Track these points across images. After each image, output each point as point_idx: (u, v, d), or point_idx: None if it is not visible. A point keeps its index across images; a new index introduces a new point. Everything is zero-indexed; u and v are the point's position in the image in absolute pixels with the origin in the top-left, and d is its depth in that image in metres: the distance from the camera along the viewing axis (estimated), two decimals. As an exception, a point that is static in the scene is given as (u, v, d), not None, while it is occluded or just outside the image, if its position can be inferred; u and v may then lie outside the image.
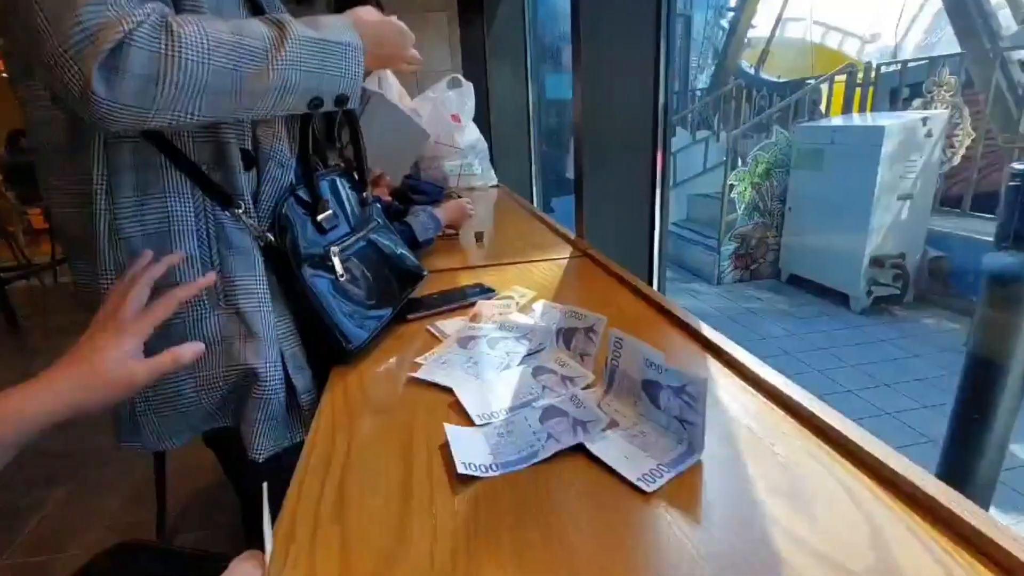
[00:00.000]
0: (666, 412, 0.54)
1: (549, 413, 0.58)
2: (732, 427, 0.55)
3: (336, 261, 0.73)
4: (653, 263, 1.41)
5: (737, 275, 4.50)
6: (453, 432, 0.55)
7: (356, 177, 0.88)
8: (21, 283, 4.25)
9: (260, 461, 0.67)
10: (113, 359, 0.48)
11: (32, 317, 3.86)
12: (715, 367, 0.68)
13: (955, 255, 3.66)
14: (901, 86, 4.12)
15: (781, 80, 5.21)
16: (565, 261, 1.20)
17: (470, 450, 0.52)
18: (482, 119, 2.79)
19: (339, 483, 0.50)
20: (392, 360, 0.75)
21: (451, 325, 0.84)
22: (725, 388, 0.62)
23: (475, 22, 3.23)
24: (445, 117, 2.33)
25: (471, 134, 2.46)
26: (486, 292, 0.96)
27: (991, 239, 3.40)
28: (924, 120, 3.49)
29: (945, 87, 3.73)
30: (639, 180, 1.40)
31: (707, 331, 0.75)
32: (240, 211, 0.64)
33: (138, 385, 0.50)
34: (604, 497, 0.47)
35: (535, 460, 0.51)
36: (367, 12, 0.70)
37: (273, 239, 0.67)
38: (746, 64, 6.42)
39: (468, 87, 2.41)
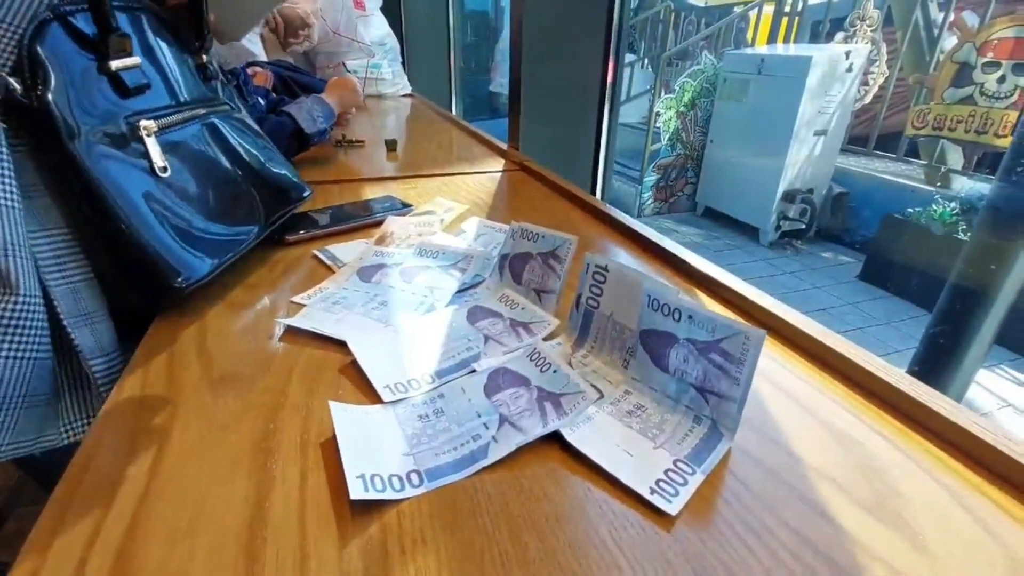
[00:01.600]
0: (677, 377, 0.35)
1: (499, 380, 0.38)
2: (760, 393, 0.38)
3: (151, 144, 0.46)
4: (597, 182, 1.23)
5: (657, 207, 4.47)
6: (344, 418, 0.33)
7: (189, 28, 0.58)
8: None
9: None
10: None
11: None
12: (717, 310, 0.51)
13: (856, 192, 3.83)
14: (825, 19, 4.11)
15: (708, 5, 5.05)
16: (498, 175, 0.97)
17: (372, 451, 0.31)
18: (393, 13, 2.37)
19: (129, 524, 0.27)
20: (256, 301, 0.51)
21: (349, 250, 0.60)
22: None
23: None
24: (347, 4, 1.91)
25: (379, 28, 2.07)
26: (399, 208, 0.72)
27: (892, 178, 3.61)
28: (847, 53, 3.50)
29: (868, 21, 3.75)
30: (586, 93, 1.18)
31: (693, 259, 0.57)
32: None
33: None
34: (599, 525, 0.28)
35: (483, 463, 0.31)
36: None
37: (19, 88, 0.38)
38: (674, -13, 6.16)
39: (376, -34, 2.00)
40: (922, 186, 3.54)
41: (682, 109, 4.24)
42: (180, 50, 0.56)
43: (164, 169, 0.47)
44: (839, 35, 3.94)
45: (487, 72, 7.03)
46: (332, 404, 0.34)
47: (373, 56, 2.02)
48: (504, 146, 1.15)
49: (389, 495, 0.29)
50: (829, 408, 0.37)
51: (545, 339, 0.44)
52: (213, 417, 0.35)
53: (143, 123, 0.46)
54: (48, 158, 0.40)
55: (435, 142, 1.30)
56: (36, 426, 0.41)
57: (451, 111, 2.73)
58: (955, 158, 3.54)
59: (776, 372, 0.41)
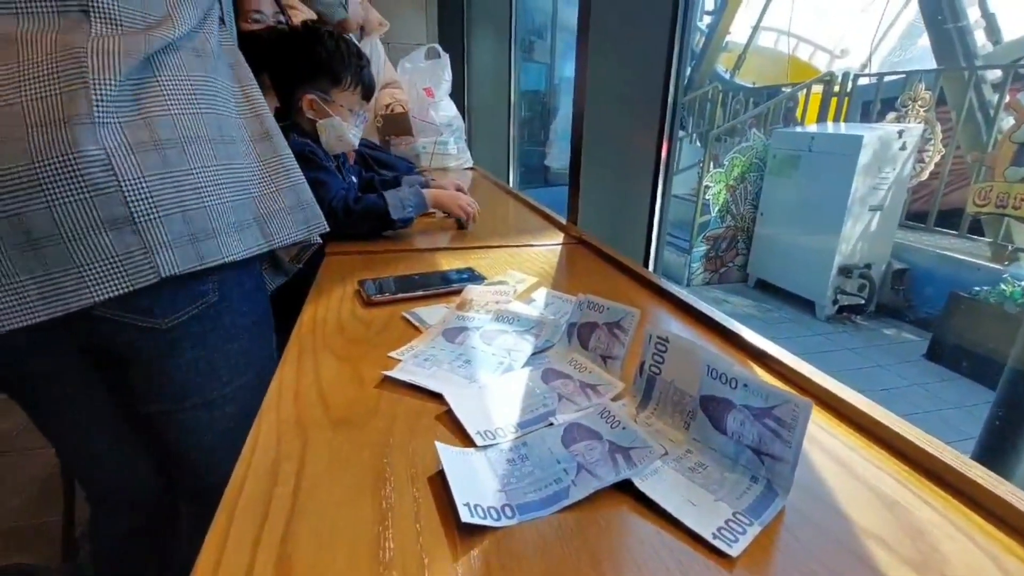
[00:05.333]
0: (735, 440, 0.40)
1: (574, 434, 0.44)
2: (810, 458, 0.42)
3: None
4: (651, 255, 1.29)
5: (706, 277, 4.48)
6: (449, 456, 0.40)
7: None
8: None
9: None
10: None
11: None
12: (771, 382, 0.55)
13: (918, 269, 3.73)
14: (876, 99, 4.18)
15: (756, 86, 5.24)
16: (558, 248, 1.06)
17: (474, 485, 0.38)
18: (459, 97, 2.61)
19: (283, 533, 0.34)
20: (357, 354, 0.59)
21: (433, 313, 0.69)
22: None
23: (456, -6, 3.04)
24: (419, 90, 2.15)
25: (447, 110, 2.29)
26: (475, 278, 0.80)
27: (956, 255, 3.49)
28: (900, 133, 3.53)
29: (920, 102, 3.79)
30: (640, 168, 1.28)
31: (748, 334, 0.62)
32: None
33: None
34: (668, 561, 0.33)
35: (565, 502, 0.37)
36: None
37: None
38: (722, 68, 6.45)
39: (445, 59, 2.23)
40: (988, 264, 3.41)
41: (731, 183, 4.33)
42: None
43: None
44: (891, 115, 3.99)
45: (542, 145, 7.43)
46: (438, 444, 0.41)
47: (441, 135, 2.22)
48: (563, 220, 1.25)
49: (489, 522, 0.35)
50: (874, 474, 0.41)
51: (612, 399, 0.50)
52: (337, 451, 0.42)
53: None
54: None
55: (499, 215, 1.41)
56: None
57: (508, 181, 2.91)
58: (1022, 237, 3.42)
59: (825, 439, 0.45)
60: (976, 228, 3.67)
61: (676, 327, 0.68)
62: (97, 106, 0.49)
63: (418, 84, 2.17)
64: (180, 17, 0.56)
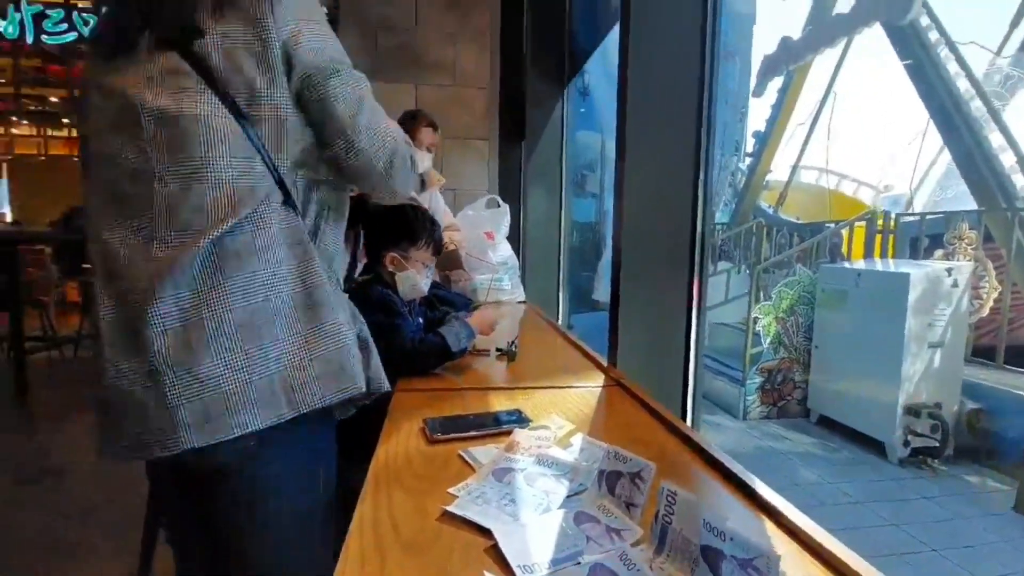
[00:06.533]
0: (729, 586, 0.49)
1: (598, 574, 0.53)
2: (802, 611, 0.50)
3: None
4: (687, 395, 1.37)
5: (764, 411, 4.34)
6: (493, 586, 0.50)
7: None
8: (41, 354, 4.31)
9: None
10: None
11: (42, 390, 3.85)
12: (776, 535, 0.63)
13: (994, 409, 3.50)
14: (921, 236, 4.25)
15: (800, 221, 5.44)
16: (598, 390, 1.18)
17: (512, 611, 0.47)
18: (515, 237, 2.92)
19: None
20: (422, 488, 0.71)
21: (485, 453, 0.81)
22: (792, 564, 0.57)
23: (514, 150, 3.50)
24: (480, 233, 2.44)
25: (504, 251, 2.56)
26: (522, 421, 0.93)
27: (1030, 395, 3.28)
28: (949, 271, 3.54)
29: (966, 240, 3.83)
30: (674, 307, 1.40)
31: (763, 489, 0.70)
32: None
33: None
34: None
35: (584, 632, 0.46)
36: None
37: None
38: (765, 204, 6.77)
39: (504, 208, 2.56)
40: (1076, 407, 3.17)
41: (781, 315, 4.35)
42: None
43: None
44: (939, 252, 4.02)
45: (592, 270, 7.78)
46: (485, 574, 0.51)
47: (497, 272, 2.48)
48: (604, 361, 1.37)
49: (524, 642, 0.44)
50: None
51: (632, 544, 0.59)
52: (408, 570, 0.54)
53: None
54: None
55: (546, 352, 1.56)
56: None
57: (558, 313, 3.11)
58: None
59: (818, 594, 0.52)
60: (1054, 367, 3.47)
61: (700, 476, 0.77)
62: (151, 320, 0.69)
63: (479, 228, 2.47)
64: (230, 219, 0.71)
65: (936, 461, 3.62)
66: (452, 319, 1.36)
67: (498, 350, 1.43)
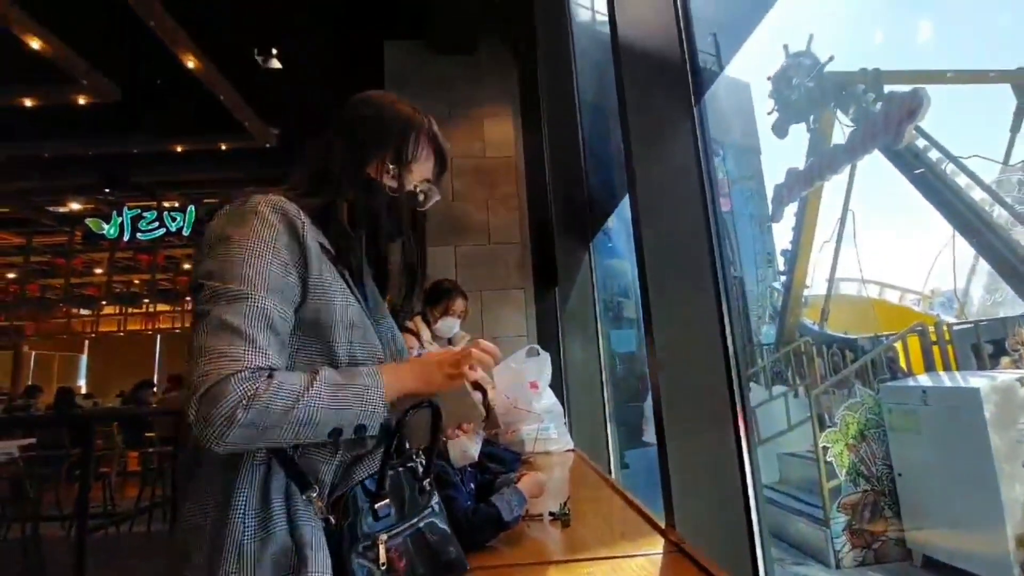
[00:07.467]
0: None
1: None
2: None
3: (382, 550, 0.76)
4: (755, 547, 1.29)
5: (858, 555, 3.81)
6: None
7: (424, 463, 0.91)
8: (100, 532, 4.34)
9: None
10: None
11: (101, 569, 3.81)
12: None
13: None
14: (981, 342, 4.04)
15: (849, 336, 5.29)
16: (659, 558, 1.13)
17: None
18: (557, 383, 2.96)
19: None
20: None
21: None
22: None
23: (548, 295, 3.69)
24: (524, 385, 2.50)
25: (548, 399, 2.59)
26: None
27: None
28: (1021, 380, 3.31)
29: (1029, 346, 3.63)
30: (724, 449, 1.37)
31: None
32: (314, 494, 0.75)
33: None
34: None
35: None
36: (429, 356, 0.89)
37: (333, 522, 0.74)
38: (809, 321, 6.64)
39: (545, 356, 2.63)
40: None
41: (851, 442, 4.05)
42: (415, 478, 0.88)
43: (383, 564, 0.75)
44: (1004, 359, 3.80)
45: (640, 401, 7.54)
46: None
47: (543, 421, 2.49)
48: (661, 523, 1.33)
49: None
50: None
51: None
52: None
53: (381, 536, 0.77)
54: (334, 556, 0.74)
55: (600, 512, 1.52)
56: None
57: (608, 455, 3.02)
58: None
59: None
60: None
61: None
62: None
63: (524, 379, 2.53)
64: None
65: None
66: (502, 486, 1.37)
67: (551, 514, 1.40)
